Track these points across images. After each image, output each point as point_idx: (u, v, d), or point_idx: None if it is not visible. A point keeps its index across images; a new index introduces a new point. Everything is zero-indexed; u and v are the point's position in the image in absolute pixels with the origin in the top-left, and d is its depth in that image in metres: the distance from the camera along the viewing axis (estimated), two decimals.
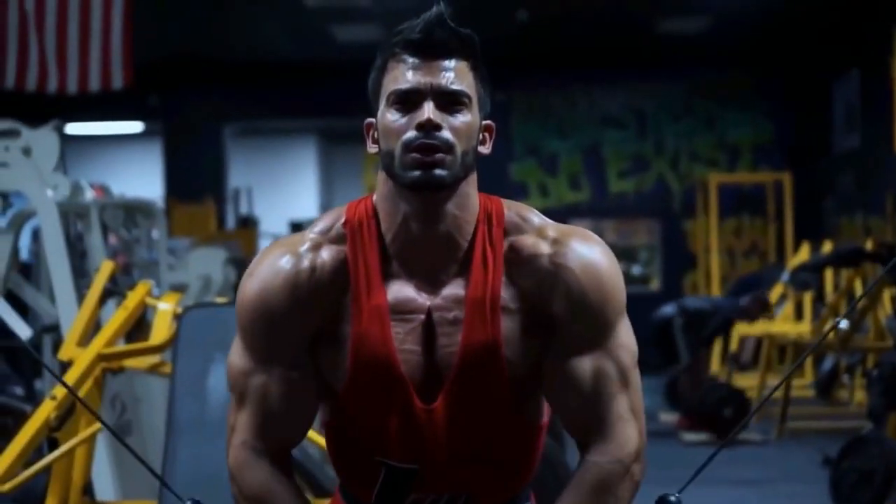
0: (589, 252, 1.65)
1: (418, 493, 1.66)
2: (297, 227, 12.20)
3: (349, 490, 1.74)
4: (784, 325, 9.00)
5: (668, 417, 8.31)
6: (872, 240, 8.02)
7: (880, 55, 9.45)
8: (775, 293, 9.10)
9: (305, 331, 1.66)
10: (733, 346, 8.95)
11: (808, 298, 9.13)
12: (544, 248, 1.65)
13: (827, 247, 8.80)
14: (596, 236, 1.69)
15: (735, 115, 12.32)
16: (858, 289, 7.76)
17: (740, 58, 12.00)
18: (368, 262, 1.64)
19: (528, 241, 1.66)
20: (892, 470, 4.88)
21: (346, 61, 11.36)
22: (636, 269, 12.83)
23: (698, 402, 7.63)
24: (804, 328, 8.60)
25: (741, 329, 8.81)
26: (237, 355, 1.69)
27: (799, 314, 9.16)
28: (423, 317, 1.63)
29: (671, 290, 11.63)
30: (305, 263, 1.64)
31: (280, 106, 12.82)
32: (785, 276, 8.97)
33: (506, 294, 1.64)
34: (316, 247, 1.66)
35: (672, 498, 1.64)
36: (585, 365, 1.64)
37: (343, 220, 1.67)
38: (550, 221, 1.69)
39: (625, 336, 1.67)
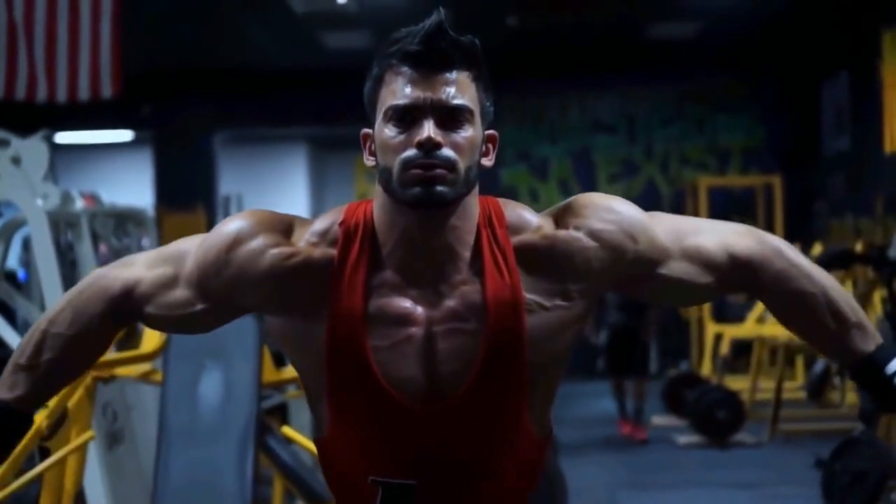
0: (592, 200, 1.64)
1: None
2: None
3: None
4: (775, 327, 9.00)
5: (663, 421, 8.32)
6: (862, 241, 8.04)
7: (868, 57, 9.46)
8: None
9: (246, 305, 1.64)
10: (723, 349, 8.97)
11: None
12: (555, 233, 1.62)
13: (817, 249, 8.81)
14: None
15: (725, 119, 12.34)
16: (849, 290, 7.78)
17: (729, 62, 12.02)
18: (354, 268, 1.58)
19: (534, 237, 1.61)
20: (883, 471, 4.89)
21: (336, 68, 11.38)
22: None
23: (691, 405, 7.65)
24: None
25: (731, 332, 8.82)
26: (194, 243, 1.67)
27: None
28: (415, 328, 1.57)
29: None
30: (287, 254, 1.60)
31: (270, 113, 12.81)
32: None
33: (529, 293, 1.59)
34: (311, 246, 1.60)
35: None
36: (673, 265, 1.65)
37: (340, 220, 1.61)
38: (541, 215, 1.65)
39: (670, 219, 1.68)
